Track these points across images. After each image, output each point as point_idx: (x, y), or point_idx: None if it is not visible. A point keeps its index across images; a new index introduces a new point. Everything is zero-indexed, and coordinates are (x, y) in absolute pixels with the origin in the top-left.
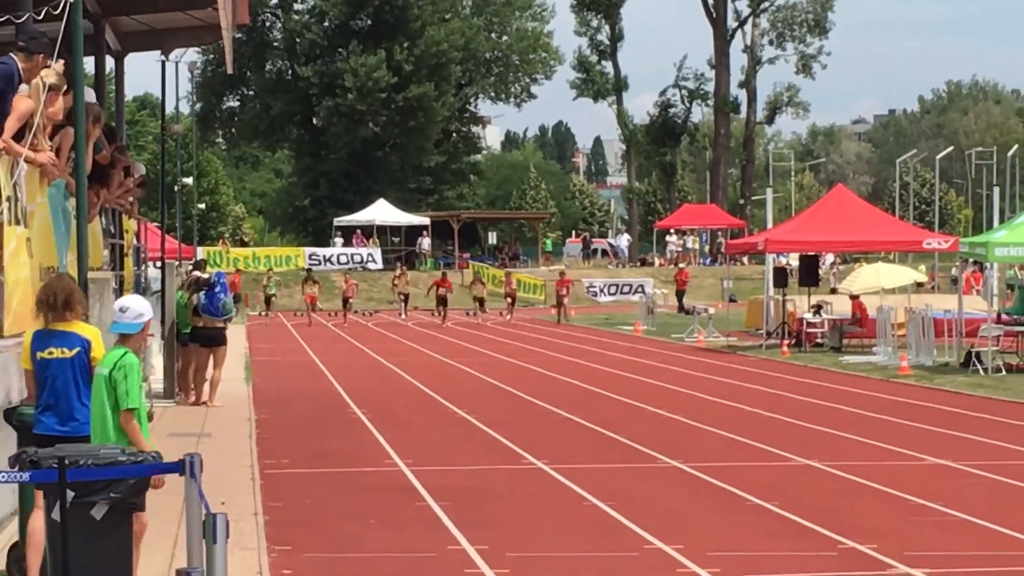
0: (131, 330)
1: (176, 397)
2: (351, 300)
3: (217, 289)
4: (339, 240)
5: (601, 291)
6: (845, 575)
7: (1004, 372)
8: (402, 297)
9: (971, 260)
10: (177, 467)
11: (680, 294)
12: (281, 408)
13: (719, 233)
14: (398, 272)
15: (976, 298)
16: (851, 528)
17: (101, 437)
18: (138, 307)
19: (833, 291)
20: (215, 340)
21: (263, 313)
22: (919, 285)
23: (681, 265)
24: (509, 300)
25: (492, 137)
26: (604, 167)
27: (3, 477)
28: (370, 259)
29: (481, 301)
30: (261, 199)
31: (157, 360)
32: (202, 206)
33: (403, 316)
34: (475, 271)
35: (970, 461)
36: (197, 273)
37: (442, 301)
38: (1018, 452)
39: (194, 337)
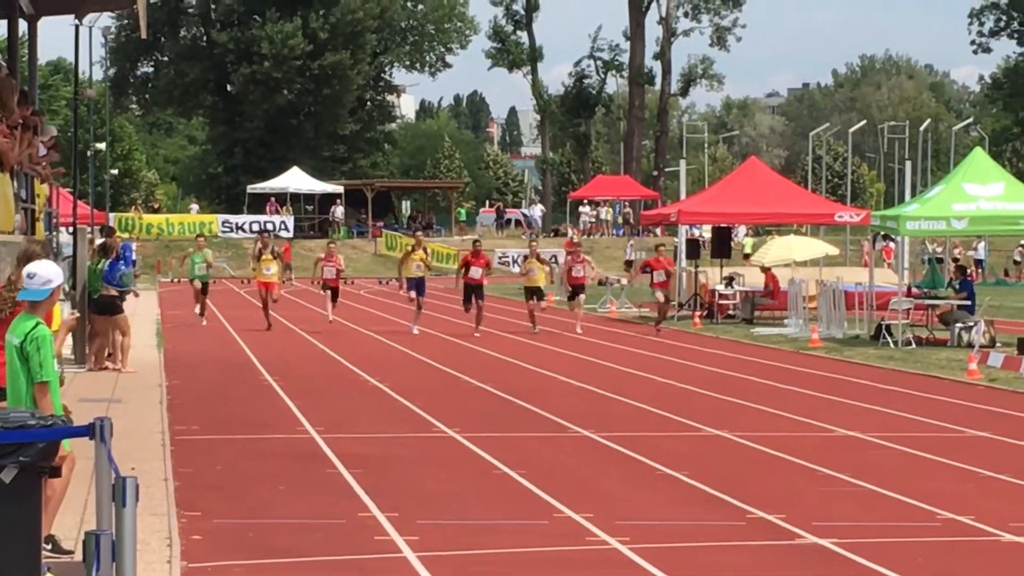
0: (38, 297)
1: (87, 363)
2: (339, 289)
3: (121, 261)
4: (194, 207)
5: (514, 261)
6: (754, 544)
7: (914, 345)
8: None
9: (881, 234)
10: (87, 431)
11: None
12: (193, 375)
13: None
14: (411, 246)
15: (887, 271)
16: (760, 498)
17: (14, 403)
18: (46, 273)
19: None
20: (108, 309)
21: (179, 279)
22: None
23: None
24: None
25: (407, 106)
26: (519, 137)
27: None
28: (283, 227)
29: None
30: (175, 166)
31: None
32: (115, 172)
33: (415, 328)
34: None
35: (879, 433)
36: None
37: (474, 291)
38: (926, 424)
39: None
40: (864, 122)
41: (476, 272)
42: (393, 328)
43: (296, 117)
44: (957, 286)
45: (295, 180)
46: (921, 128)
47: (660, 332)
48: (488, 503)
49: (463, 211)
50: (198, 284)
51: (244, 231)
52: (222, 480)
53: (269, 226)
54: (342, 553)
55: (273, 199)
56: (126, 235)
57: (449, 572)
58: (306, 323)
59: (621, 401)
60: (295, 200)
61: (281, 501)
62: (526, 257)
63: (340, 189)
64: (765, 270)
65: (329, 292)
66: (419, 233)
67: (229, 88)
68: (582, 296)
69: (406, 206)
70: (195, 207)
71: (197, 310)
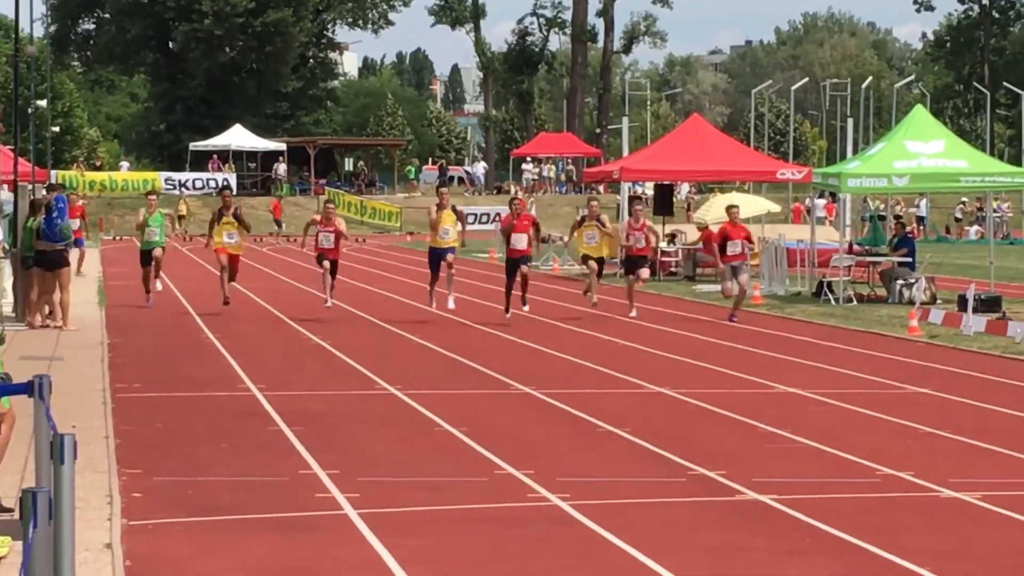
0: None
1: (27, 320)
2: (337, 261)
3: (54, 214)
4: (124, 164)
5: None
6: (694, 500)
7: (855, 302)
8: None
9: (825, 191)
10: (25, 388)
11: None
12: (134, 333)
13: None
14: (435, 206)
15: (828, 228)
16: (701, 455)
17: None
18: None
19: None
20: (55, 263)
21: (121, 236)
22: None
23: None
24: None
25: (349, 63)
26: (462, 95)
27: None
28: (225, 184)
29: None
30: (116, 123)
31: (9, 283)
32: (56, 129)
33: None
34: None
35: (819, 389)
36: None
37: (518, 264)
38: (866, 381)
39: (36, 261)
40: (806, 80)
41: (521, 241)
42: (338, 286)
43: (238, 74)
44: (895, 242)
45: (237, 137)
46: (863, 86)
47: (736, 320)
48: (429, 460)
49: (412, 169)
50: (157, 253)
51: (188, 188)
52: (163, 437)
53: (212, 183)
54: (282, 510)
55: (215, 156)
56: (74, 195)
57: (389, 529)
58: (251, 282)
59: (562, 358)
60: (237, 158)
61: (222, 458)
62: (583, 219)
63: (283, 147)
64: (704, 227)
65: (328, 265)
66: (443, 190)
67: (171, 45)
68: (644, 271)
69: (349, 163)
70: (125, 165)
71: (157, 286)
